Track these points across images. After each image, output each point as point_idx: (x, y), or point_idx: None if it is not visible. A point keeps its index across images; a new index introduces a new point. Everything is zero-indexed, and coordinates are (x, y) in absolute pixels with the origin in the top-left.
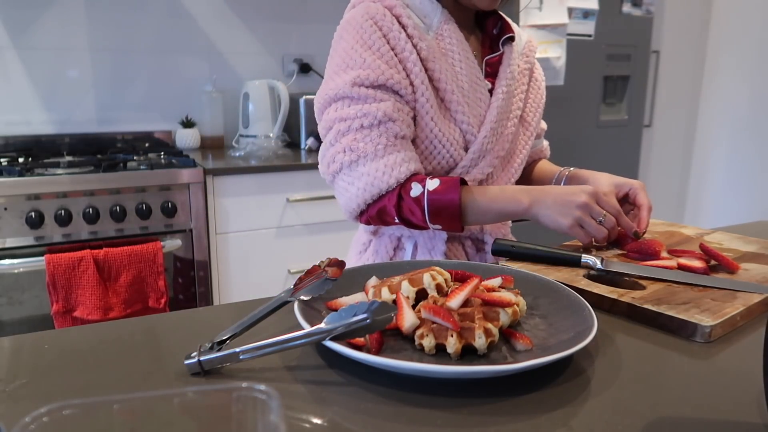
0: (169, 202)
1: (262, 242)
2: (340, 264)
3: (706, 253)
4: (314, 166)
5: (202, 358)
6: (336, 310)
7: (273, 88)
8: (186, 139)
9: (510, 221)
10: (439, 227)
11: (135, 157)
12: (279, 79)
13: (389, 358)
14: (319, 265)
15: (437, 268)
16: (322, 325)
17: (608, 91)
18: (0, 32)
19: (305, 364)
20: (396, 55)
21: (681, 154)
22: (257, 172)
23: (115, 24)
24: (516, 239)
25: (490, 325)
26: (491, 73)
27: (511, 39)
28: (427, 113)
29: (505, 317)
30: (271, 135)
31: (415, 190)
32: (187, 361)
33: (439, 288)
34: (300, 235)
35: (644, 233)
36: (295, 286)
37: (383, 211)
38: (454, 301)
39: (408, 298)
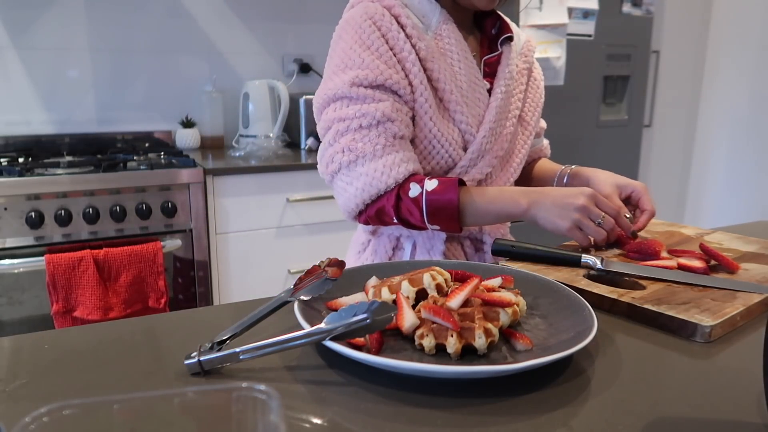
0: (169, 202)
1: (262, 242)
2: (340, 264)
3: (706, 253)
4: (314, 166)
5: (202, 358)
6: (336, 310)
7: (273, 88)
8: (186, 139)
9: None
10: (438, 228)
11: (135, 157)
12: (279, 79)
13: (389, 358)
14: (319, 265)
15: (437, 268)
16: (322, 325)
17: (608, 91)
18: (0, 32)
19: (305, 364)
20: (395, 55)
21: (681, 154)
22: (257, 172)
23: (115, 24)
24: (515, 239)
25: (490, 325)
26: (490, 73)
27: (510, 39)
28: (426, 113)
29: (505, 317)
30: (271, 135)
31: (414, 190)
32: (187, 361)
33: (439, 288)
34: (300, 235)
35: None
36: (295, 286)
37: (382, 211)
38: (454, 301)
39: (408, 298)
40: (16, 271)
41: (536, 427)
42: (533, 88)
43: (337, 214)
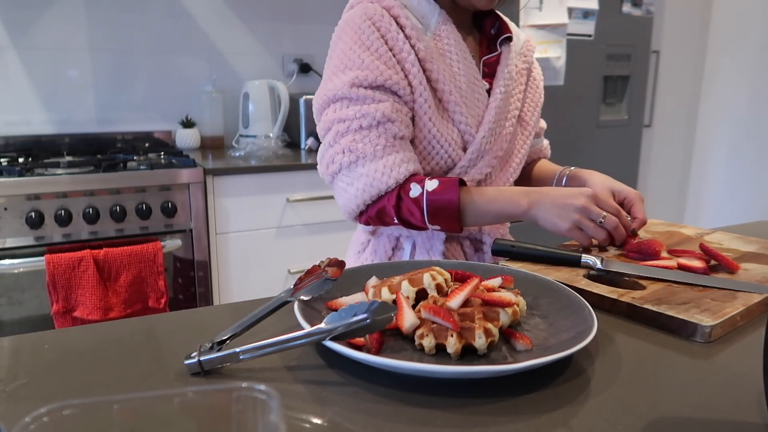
0: (169, 202)
1: (262, 242)
2: (340, 264)
3: (706, 253)
4: (314, 166)
5: (202, 358)
6: (336, 310)
7: (273, 88)
8: (186, 139)
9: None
10: (438, 228)
11: (135, 157)
12: (279, 79)
13: (389, 358)
14: (319, 265)
15: (437, 268)
16: (322, 325)
17: (608, 91)
18: (0, 32)
19: (305, 364)
20: (394, 55)
21: (681, 154)
22: (257, 172)
23: (115, 24)
24: (515, 239)
25: (490, 325)
26: (489, 73)
27: (509, 39)
28: (426, 114)
29: (505, 317)
30: (271, 135)
31: (414, 190)
32: (187, 361)
33: (439, 288)
34: (300, 235)
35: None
36: (295, 286)
37: (382, 211)
38: (454, 301)
39: (408, 298)
40: (16, 271)
41: (536, 427)
42: (533, 88)
43: (337, 214)
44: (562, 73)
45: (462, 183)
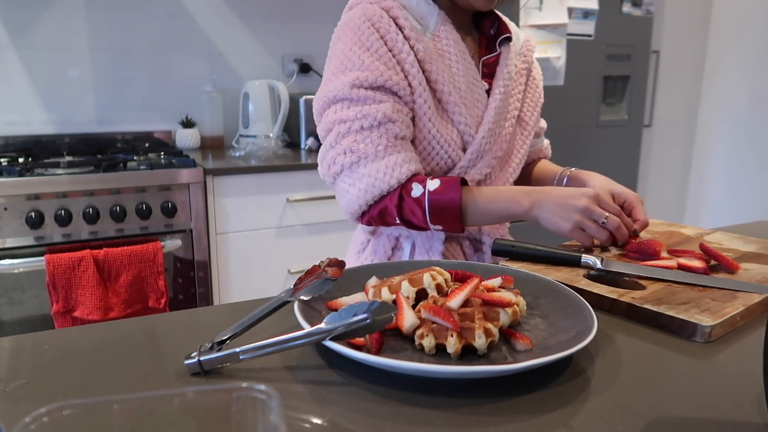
0: (169, 202)
1: (262, 242)
2: (340, 264)
3: (706, 253)
4: (314, 166)
5: (202, 358)
6: (336, 310)
7: (273, 88)
8: (186, 139)
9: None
10: (440, 228)
11: (135, 157)
12: (279, 79)
13: (389, 358)
14: (319, 265)
15: (437, 268)
16: (322, 325)
17: (608, 91)
18: (0, 32)
19: (305, 364)
20: (394, 56)
21: (681, 154)
22: (257, 172)
23: (115, 24)
24: (514, 239)
25: (490, 325)
26: (488, 73)
27: (509, 39)
28: (425, 114)
29: (505, 317)
30: (271, 135)
31: (416, 190)
32: (187, 361)
33: (439, 288)
34: (300, 235)
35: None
36: (295, 286)
37: (384, 211)
38: (454, 301)
39: (408, 298)
40: (16, 271)
41: (536, 427)
42: (532, 88)
43: (337, 214)
44: (562, 73)
45: (464, 182)
